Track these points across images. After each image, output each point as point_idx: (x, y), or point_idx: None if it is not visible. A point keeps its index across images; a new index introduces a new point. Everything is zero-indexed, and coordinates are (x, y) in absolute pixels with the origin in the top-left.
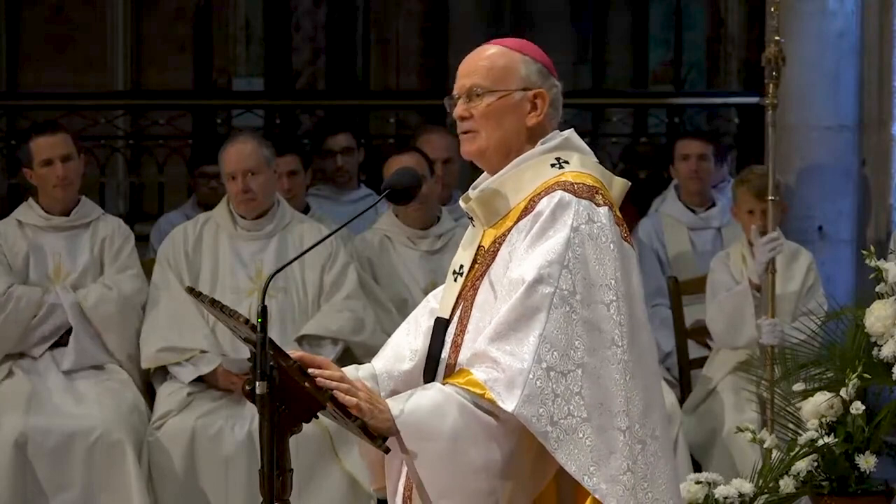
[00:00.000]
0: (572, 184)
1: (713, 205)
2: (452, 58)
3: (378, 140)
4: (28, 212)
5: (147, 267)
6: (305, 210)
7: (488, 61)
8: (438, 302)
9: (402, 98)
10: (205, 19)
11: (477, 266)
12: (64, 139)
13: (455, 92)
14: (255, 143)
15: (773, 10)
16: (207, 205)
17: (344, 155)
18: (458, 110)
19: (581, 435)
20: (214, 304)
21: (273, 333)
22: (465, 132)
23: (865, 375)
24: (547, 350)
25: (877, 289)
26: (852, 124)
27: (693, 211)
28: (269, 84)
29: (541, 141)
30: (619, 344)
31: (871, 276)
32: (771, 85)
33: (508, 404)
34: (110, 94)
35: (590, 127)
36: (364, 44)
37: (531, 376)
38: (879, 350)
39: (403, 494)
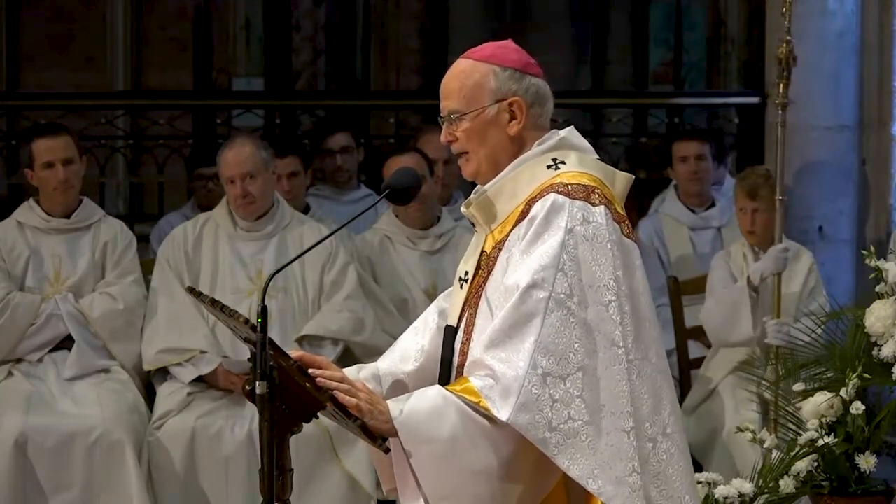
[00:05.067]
0: (566, 185)
1: (713, 205)
2: (452, 58)
3: (378, 140)
4: (29, 213)
5: (146, 267)
6: (305, 210)
7: (458, 82)
8: (448, 302)
9: (402, 98)
10: (205, 19)
11: (480, 272)
12: (66, 142)
13: (441, 114)
14: (253, 146)
15: (784, 10)
16: (206, 207)
17: (343, 154)
18: (443, 136)
19: (583, 438)
20: (214, 304)
21: (273, 333)
22: (458, 154)
23: (865, 375)
24: (543, 356)
25: (877, 289)
26: (852, 124)
27: (693, 211)
28: (269, 84)
29: (538, 142)
30: (621, 344)
31: (871, 276)
32: (781, 85)
33: (503, 413)
34: (110, 94)
35: (590, 127)
36: (364, 44)
37: (526, 383)
38: (879, 350)
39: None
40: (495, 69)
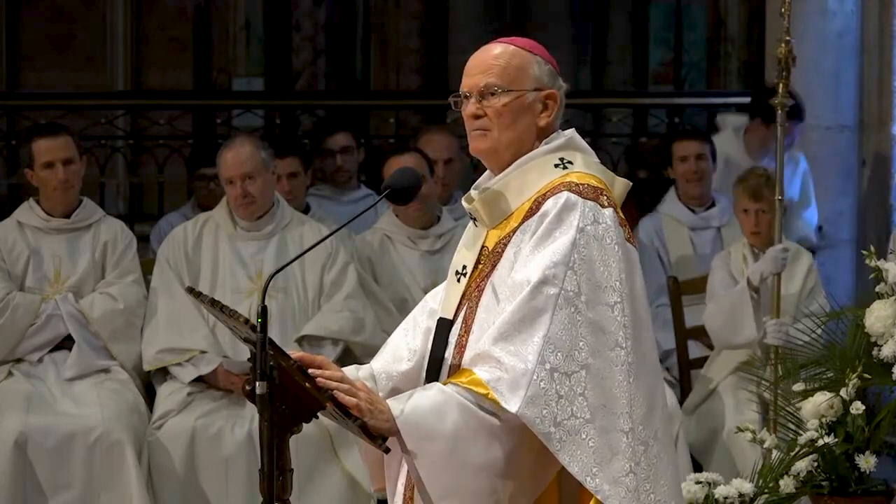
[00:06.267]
0: (577, 185)
1: (713, 205)
2: (452, 58)
3: (378, 140)
4: (29, 213)
5: (146, 267)
6: (305, 210)
7: (503, 60)
8: (437, 302)
9: (402, 98)
10: (205, 19)
11: (481, 267)
12: (66, 142)
13: (465, 90)
14: (252, 147)
15: (783, 10)
16: (206, 207)
17: (343, 154)
18: (472, 108)
19: (584, 436)
20: (214, 304)
21: (273, 334)
22: (477, 129)
23: (865, 375)
24: (551, 351)
25: (877, 289)
26: (852, 124)
27: (693, 211)
28: (269, 84)
29: (544, 141)
30: (623, 345)
31: (871, 276)
32: (780, 85)
33: (512, 405)
34: (110, 94)
35: (590, 127)
36: (364, 44)
37: (535, 377)
38: (879, 350)
39: (404, 495)
40: (538, 59)
